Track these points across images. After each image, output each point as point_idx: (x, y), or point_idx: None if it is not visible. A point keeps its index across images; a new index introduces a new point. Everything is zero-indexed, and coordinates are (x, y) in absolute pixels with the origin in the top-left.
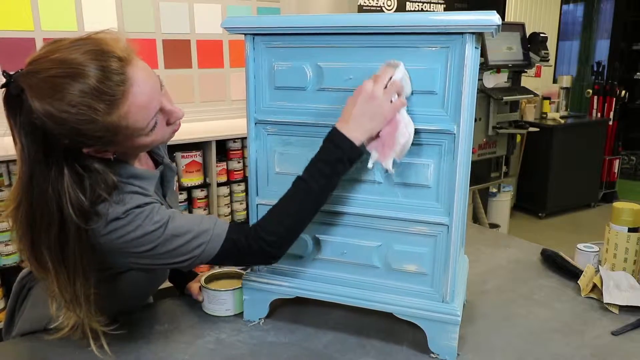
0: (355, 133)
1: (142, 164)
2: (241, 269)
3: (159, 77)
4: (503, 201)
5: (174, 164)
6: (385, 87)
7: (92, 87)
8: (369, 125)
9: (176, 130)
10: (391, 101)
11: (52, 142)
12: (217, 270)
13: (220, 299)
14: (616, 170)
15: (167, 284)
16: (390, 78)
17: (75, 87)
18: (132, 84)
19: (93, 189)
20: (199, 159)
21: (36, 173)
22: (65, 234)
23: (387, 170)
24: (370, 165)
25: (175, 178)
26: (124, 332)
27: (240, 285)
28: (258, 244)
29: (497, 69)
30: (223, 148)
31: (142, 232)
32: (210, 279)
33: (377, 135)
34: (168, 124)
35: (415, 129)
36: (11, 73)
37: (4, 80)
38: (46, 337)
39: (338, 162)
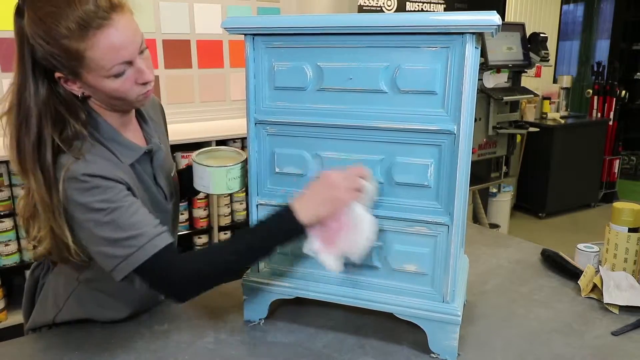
0: (304, 212)
1: (136, 136)
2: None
3: (142, 37)
4: (503, 201)
5: (162, 145)
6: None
7: (77, 7)
8: (318, 208)
9: (146, 96)
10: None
11: (34, 54)
12: (217, 147)
13: (199, 173)
14: (616, 170)
15: None
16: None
17: (64, 2)
18: (111, 24)
19: (69, 121)
20: None
21: (28, 83)
22: (42, 143)
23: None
24: (305, 250)
25: (170, 162)
26: (124, 333)
27: (226, 165)
28: (174, 277)
29: (497, 69)
30: None
31: (86, 200)
32: (207, 155)
33: (326, 225)
34: (137, 82)
35: (416, 129)
36: None
37: None
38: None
39: (280, 231)
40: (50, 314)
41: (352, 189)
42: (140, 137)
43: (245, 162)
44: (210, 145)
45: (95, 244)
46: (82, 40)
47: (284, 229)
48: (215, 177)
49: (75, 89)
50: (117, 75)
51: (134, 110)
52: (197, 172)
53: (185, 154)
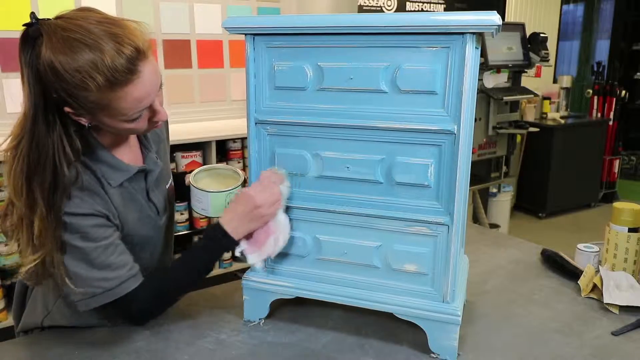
0: (237, 232)
1: (132, 152)
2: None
3: (161, 77)
4: (503, 201)
5: (159, 161)
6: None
7: (103, 63)
8: (249, 225)
9: (156, 127)
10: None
11: (47, 93)
12: (214, 165)
13: (197, 196)
14: (616, 170)
15: None
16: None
17: (88, 56)
18: (138, 77)
19: (69, 153)
20: (199, 159)
21: (39, 117)
22: (57, 185)
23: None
24: (237, 253)
25: (167, 174)
26: (124, 333)
27: (225, 189)
28: (134, 311)
29: (497, 69)
30: (223, 148)
31: (65, 238)
32: (204, 174)
33: (253, 234)
34: (150, 120)
35: (416, 129)
36: (38, 17)
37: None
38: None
39: (218, 249)
40: (39, 317)
41: (273, 203)
42: (137, 152)
43: (243, 184)
44: (209, 145)
45: (67, 275)
46: (108, 93)
47: (223, 248)
48: (215, 201)
49: (83, 120)
50: (135, 119)
51: None
52: (196, 196)
53: (185, 154)
